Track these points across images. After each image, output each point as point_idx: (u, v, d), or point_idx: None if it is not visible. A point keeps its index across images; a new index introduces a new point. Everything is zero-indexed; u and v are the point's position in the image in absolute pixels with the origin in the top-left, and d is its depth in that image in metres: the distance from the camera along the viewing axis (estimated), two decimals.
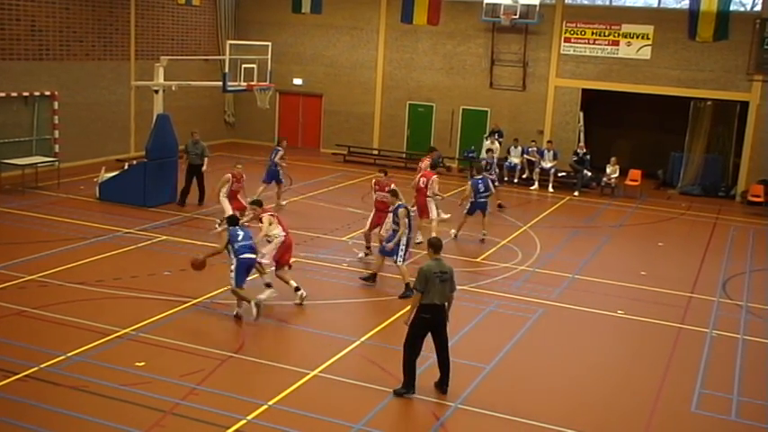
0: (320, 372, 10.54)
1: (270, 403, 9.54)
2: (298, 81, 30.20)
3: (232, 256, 12.13)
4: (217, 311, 12.58)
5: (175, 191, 19.86)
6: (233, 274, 12.09)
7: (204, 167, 19.63)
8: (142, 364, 10.42)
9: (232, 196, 17.28)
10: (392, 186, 14.85)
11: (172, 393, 9.63)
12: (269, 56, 20.93)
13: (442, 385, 10.13)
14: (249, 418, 9.16)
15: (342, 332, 12.10)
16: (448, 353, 10.12)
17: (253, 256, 12.26)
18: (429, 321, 9.86)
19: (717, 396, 10.72)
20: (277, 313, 12.73)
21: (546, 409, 9.94)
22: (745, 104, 25.27)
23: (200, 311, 12.58)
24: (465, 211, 18.14)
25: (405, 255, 13.92)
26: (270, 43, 21.53)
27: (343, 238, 17.45)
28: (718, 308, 14.44)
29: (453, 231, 18.00)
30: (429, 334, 10.00)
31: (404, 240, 13.81)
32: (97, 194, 19.71)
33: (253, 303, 12.03)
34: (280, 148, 20.09)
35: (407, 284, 13.45)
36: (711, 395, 10.74)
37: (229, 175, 17.30)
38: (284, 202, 20.15)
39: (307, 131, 30.66)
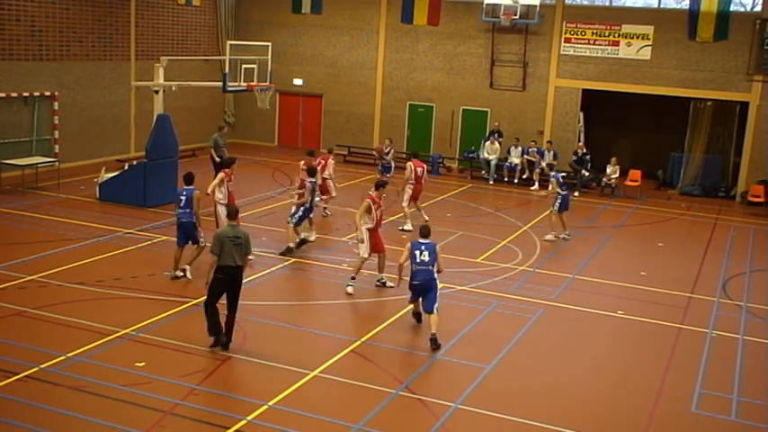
0: (320, 372, 10.54)
1: (270, 403, 9.55)
2: (298, 81, 30.21)
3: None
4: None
5: (176, 191, 19.82)
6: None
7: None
8: (142, 364, 10.42)
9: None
10: (310, 165, 16.61)
11: (172, 394, 9.63)
12: (269, 56, 20.94)
13: (224, 337, 11.01)
14: (249, 418, 9.16)
15: (342, 332, 12.11)
16: (235, 314, 11.05)
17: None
18: (223, 281, 10.86)
19: (717, 396, 10.72)
20: (277, 313, 12.73)
21: (546, 410, 9.94)
22: (745, 105, 25.27)
23: (201, 311, 12.54)
24: (556, 209, 18.25)
25: (298, 221, 15.85)
26: (270, 43, 21.55)
27: (343, 239, 17.44)
28: (718, 308, 14.45)
29: (553, 235, 18.31)
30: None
31: (302, 209, 15.81)
32: (97, 195, 19.72)
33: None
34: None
35: (288, 246, 15.72)
36: (711, 395, 10.74)
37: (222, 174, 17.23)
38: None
39: (307, 132, 30.67)
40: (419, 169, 18.72)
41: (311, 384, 10.22)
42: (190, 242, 14.14)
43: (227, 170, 15.73)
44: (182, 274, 14.01)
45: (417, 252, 11.73)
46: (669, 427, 9.82)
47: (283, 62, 29.08)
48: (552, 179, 18.60)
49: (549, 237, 18.22)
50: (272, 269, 14.98)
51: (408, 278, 11.99)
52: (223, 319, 11.12)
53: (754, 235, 20.72)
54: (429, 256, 11.71)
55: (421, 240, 11.92)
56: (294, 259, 15.61)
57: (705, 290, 15.45)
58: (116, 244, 15.94)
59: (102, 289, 13.25)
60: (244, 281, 11.41)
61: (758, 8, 25.00)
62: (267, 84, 20.84)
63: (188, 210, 13.97)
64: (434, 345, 11.46)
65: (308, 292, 14.16)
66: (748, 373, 11.59)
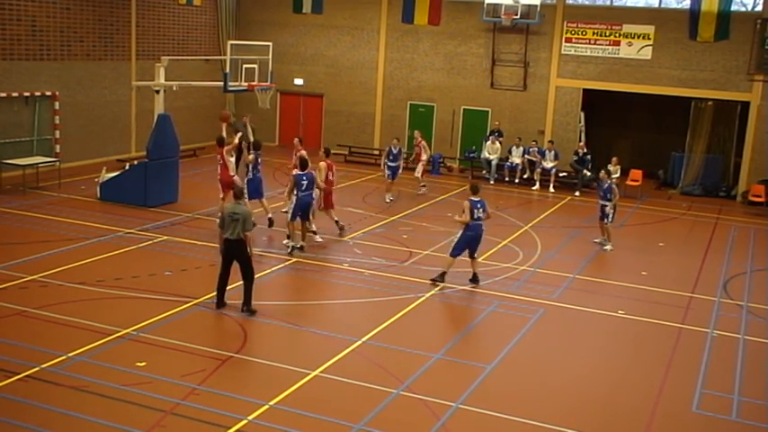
0: (321, 372, 10.54)
1: (271, 403, 9.55)
2: (299, 81, 30.21)
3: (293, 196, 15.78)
4: (218, 311, 12.58)
5: (177, 191, 19.88)
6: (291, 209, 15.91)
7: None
8: (143, 364, 10.42)
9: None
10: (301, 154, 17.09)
11: (172, 393, 9.64)
12: (270, 56, 20.93)
13: (243, 305, 12.39)
14: (250, 418, 9.16)
15: (343, 332, 12.10)
16: (249, 282, 12.36)
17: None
18: (226, 251, 12.29)
19: (718, 396, 10.71)
20: (278, 313, 12.73)
21: (547, 409, 9.94)
22: (745, 104, 25.27)
23: (202, 311, 12.58)
24: (611, 221, 18.04)
25: (292, 216, 16.11)
26: (271, 43, 21.53)
27: (345, 239, 17.44)
28: (718, 308, 14.44)
29: (600, 241, 18.27)
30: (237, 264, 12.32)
31: (294, 203, 16.06)
32: (98, 194, 19.72)
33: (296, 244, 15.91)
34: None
35: (293, 245, 16.08)
36: (712, 395, 10.74)
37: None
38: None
39: (307, 131, 30.66)
40: (330, 173, 17.68)
41: (312, 384, 10.22)
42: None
43: (328, 161, 17.33)
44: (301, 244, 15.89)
45: (476, 209, 14.22)
46: (670, 427, 9.81)
47: (284, 62, 29.08)
48: (615, 188, 18.01)
49: (608, 247, 17.92)
50: (273, 269, 14.98)
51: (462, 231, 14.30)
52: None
53: (755, 235, 20.71)
54: (483, 211, 14.36)
55: (474, 198, 14.35)
56: (295, 259, 15.61)
57: (706, 290, 15.44)
58: (117, 244, 15.95)
59: (102, 289, 13.26)
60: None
61: (759, 8, 24.98)
62: (268, 83, 20.83)
63: (310, 191, 15.94)
64: (476, 280, 14.55)
65: (308, 292, 14.15)
66: (749, 373, 11.59)
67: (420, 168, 23.17)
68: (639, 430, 9.64)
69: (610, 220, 17.96)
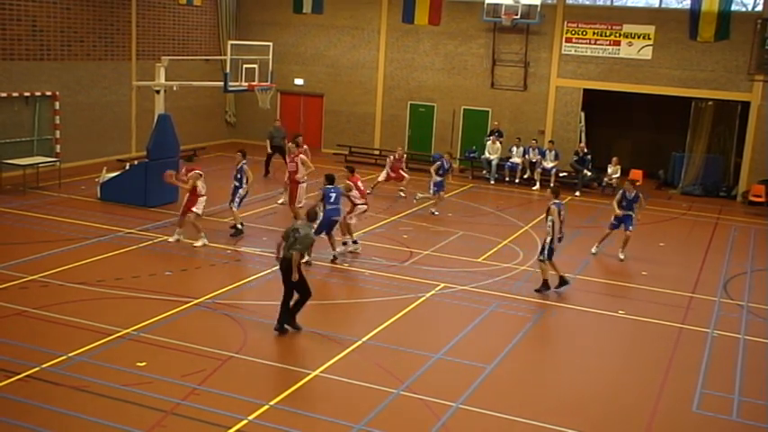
0: (321, 372, 10.54)
1: (271, 403, 9.55)
2: (299, 81, 30.21)
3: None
4: (218, 311, 12.59)
5: (176, 191, 19.85)
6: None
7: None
8: (143, 364, 10.43)
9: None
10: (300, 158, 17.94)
11: (173, 393, 9.64)
12: (270, 56, 20.94)
13: (292, 323, 11.93)
14: (250, 418, 9.16)
15: (343, 332, 12.11)
16: (298, 301, 11.86)
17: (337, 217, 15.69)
18: (280, 268, 11.90)
19: (718, 396, 10.71)
20: (272, 312, 12.71)
21: (547, 409, 9.94)
22: (746, 104, 25.26)
23: (202, 311, 12.59)
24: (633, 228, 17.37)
25: (238, 203, 16.82)
26: (271, 43, 21.54)
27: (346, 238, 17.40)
28: (719, 308, 14.44)
29: (595, 250, 17.55)
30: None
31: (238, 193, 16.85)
32: (98, 194, 19.72)
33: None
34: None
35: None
36: (713, 395, 10.74)
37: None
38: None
39: (308, 131, 30.60)
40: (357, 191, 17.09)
41: (312, 384, 10.22)
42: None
43: (354, 177, 16.65)
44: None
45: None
46: (670, 427, 9.81)
47: (284, 62, 29.08)
48: (642, 198, 17.29)
49: (622, 256, 17.23)
50: (274, 268, 14.95)
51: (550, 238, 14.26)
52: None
53: (755, 235, 20.70)
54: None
55: (557, 201, 14.45)
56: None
57: (706, 290, 15.44)
58: (117, 244, 15.95)
59: (103, 289, 13.26)
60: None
61: (759, 8, 24.98)
62: (268, 84, 20.84)
63: (337, 206, 15.54)
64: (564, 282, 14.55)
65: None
66: (749, 372, 11.59)
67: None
68: (640, 430, 9.64)
69: (633, 227, 17.11)
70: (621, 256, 17.21)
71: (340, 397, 9.99)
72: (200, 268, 14.77)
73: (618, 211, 17.17)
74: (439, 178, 20.66)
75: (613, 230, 17.38)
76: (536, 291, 14.50)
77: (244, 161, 17.34)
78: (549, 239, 14.46)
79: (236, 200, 17.17)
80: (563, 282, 14.63)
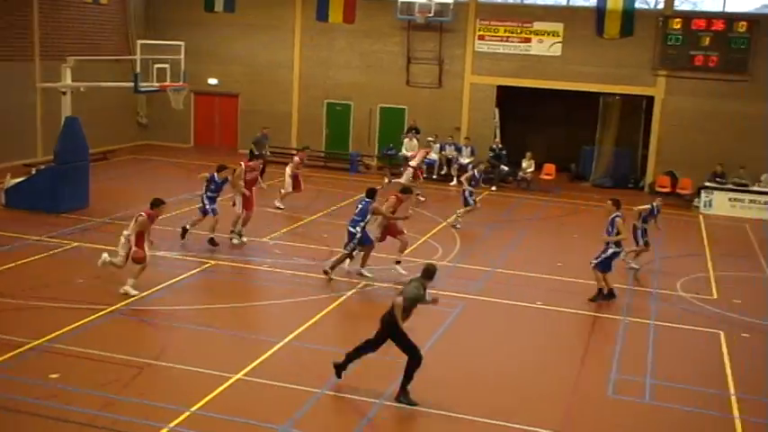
0: (244, 375, 10.41)
1: (192, 409, 9.38)
2: (213, 81, 29.74)
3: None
4: (135, 318, 12.28)
5: (88, 195, 19.28)
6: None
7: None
8: (56, 375, 10.07)
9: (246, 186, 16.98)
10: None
11: (89, 405, 9.35)
12: (182, 55, 20.54)
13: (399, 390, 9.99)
14: (171, 425, 8.97)
15: (265, 334, 12.00)
16: (408, 362, 9.96)
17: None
18: (381, 319, 10.12)
19: (631, 380, 11.07)
20: (197, 317, 12.52)
21: (469, 400, 10.08)
22: (651, 99, 26.18)
23: (117, 319, 12.26)
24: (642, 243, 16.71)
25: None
26: (183, 43, 21.12)
27: (264, 239, 17.26)
28: (630, 295, 14.91)
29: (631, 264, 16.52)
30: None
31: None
32: (3, 201, 18.96)
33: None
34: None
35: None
36: (626, 380, 11.09)
37: (242, 164, 17.41)
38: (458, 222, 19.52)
39: (224, 132, 30.27)
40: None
41: (235, 388, 10.09)
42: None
43: (401, 196, 15.82)
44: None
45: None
46: (587, 413, 10.09)
47: (197, 61, 28.45)
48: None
49: (633, 265, 16.53)
50: (192, 272, 14.71)
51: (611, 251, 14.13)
52: None
53: (663, 224, 21.41)
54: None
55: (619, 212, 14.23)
56: (214, 262, 15.37)
57: (618, 278, 15.90)
58: (25, 252, 15.35)
59: (11, 299, 12.74)
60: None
61: (661, 5, 25.91)
62: (181, 84, 20.45)
63: (358, 218, 14.72)
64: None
65: (228, 295, 13.94)
66: (660, 356, 12.02)
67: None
68: (558, 417, 9.87)
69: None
70: (636, 266, 16.51)
71: (263, 399, 9.89)
72: (115, 274, 14.37)
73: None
74: (473, 188, 19.74)
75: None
76: (591, 300, 14.28)
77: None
78: (610, 252, 14.20)
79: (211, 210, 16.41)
80: (610, 294, 14.28)
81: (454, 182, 25.36)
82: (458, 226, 19.16)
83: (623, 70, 26.09)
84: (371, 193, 15.16)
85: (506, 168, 25.68)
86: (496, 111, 27.46)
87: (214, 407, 9.51)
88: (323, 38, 28.58)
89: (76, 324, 11.83)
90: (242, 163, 17.55)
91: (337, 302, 13.49)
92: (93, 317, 12.19)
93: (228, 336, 11.90)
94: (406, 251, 15.73)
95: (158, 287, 13.77)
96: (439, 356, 11.55)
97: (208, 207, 16.38)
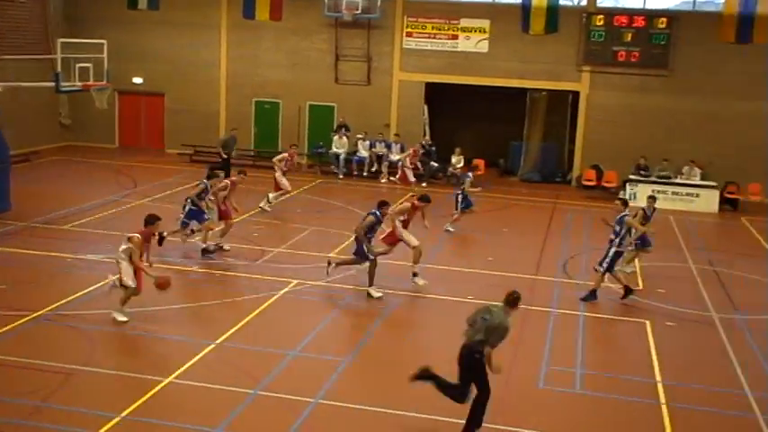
0: (175, 378, 10.24)
1: (122, 414, 9.17)
2: (137, 80, 29.12)
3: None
4: (61, 323, 11.94)
5: (9, 198, 18.64)
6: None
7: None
8: None
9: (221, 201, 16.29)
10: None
11: (13, 414, 9.06)
12: (105, 54, 20.07)
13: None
14: None
15: (195, 336, 11.82)
16: (477, 397, 9.25)
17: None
18: (459, 355, 9.35)
19: (562, 371, 11.29)
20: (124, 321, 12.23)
21: (403, 398, 10.11)
22: (576, 94, 26.74)
23: (43, 324, 11.89)
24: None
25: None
26: (105, 41, 20.63)
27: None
28: (559, 288, 15.21)
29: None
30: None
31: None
32: None
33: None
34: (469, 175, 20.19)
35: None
36: (557, 371, 11.31)
37: (227, 181, 16.76)
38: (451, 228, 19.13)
39: (150, 132, 29.67)
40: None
41: (166, 392, 9.91)
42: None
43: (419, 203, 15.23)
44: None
45: None
46: (519, 406, 10.24)
47: (121, 60, 27.78)
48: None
49: (628, 270, 15.84)
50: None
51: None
52: None
53: (590, 216, 21.96)
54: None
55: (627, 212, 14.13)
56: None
57: (547, 271, 16.23)
58: None
59: None
60: None
61: (584, 2, 26.48)
62: (104, 83, 19.99)
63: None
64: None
65: (157, 297, 13.65)
66: (589, 347, 12.30)
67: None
68: (490, 410, 9.97)
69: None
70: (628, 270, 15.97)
71: (196, 402, 9.75)
72: (39, 279, 13.96)
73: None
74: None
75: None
76: (623, 299, 14.17)
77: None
78: (613, 251, 14.07)
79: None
80: (592, 295, 14.27)
81: (384, 179, 25.44)
82: (450, 229, 18.99)
83: (549, 66, 26.58)
84: (382, 205, 14.30)
85: (436, 164, 25.89)
86: (425, 107, 27.64)
87: (145, 411, 9.33)
88: (250, 35, 28.28)
89: (0, 331, 11.46)
90: (227, 181, 16.96)
91: (268, 302, 13.37)
92: (17, 323, 11.80)
93: (159, 338, 11.68)
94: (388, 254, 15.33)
95: (86, 290, 13.42)
96: (373, 355, 11.58)
97: (197, 217, 15.71)
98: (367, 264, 13.94)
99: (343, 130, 26.50)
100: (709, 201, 23.83)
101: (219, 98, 28.84)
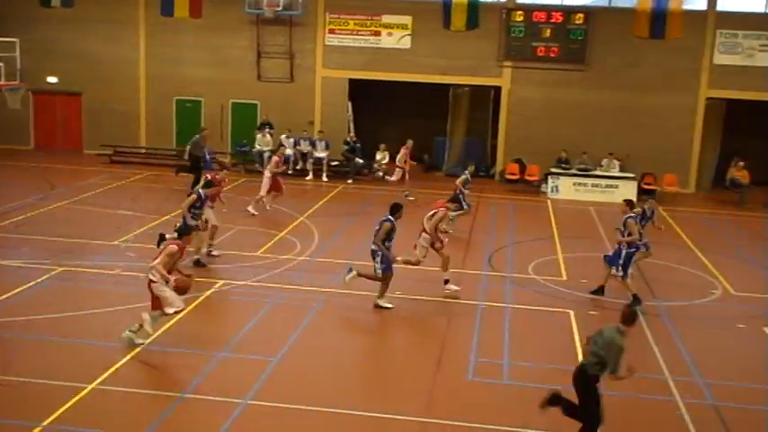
0: (98, 384, 9.97)
1: (44, 424, 8.89)
2: (52, 79, 28.23)
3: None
4: None
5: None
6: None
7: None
8: None
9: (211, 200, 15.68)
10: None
11: None
12: (17, 53, 19.44)
13: None
14: None
15: (118, 340, 11.51)
16: (584, 426, 8.81)
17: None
18: (573, 376, 8.96)
19: (490, 363, 11.44)
20: (46, 327, 11.85)
21: (334, 394, 10.10)
22: (498, 89, 27.14)
23: None
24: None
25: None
26: (17, 39, 20.00)
27: (115, 242, 16.59)
28: (486, 281, 15.42)
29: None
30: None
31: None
32: None
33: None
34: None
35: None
36: (485, 363, 11.45)
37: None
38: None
39: (66, 132, 28.82)
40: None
41: (90, 398, 9.64)
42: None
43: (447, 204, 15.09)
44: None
45: None
46: (448, 398, 10.33)
47: (34, 59, 26.93)
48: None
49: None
50: (38, 281, 13.91)
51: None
52: None
53: (514, 209, 22.34)
54: None
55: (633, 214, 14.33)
56: (62, 268, 14.62)
57: (474, 264, 16.43)
58: None
59: None
60: None
61: None
62: (17, 83, 19.35)
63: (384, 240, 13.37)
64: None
65: (79, 302, 13.29)
66: (515, 338, 12.50)
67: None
68: (421, 403, 10.06)
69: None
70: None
71: (121, 408, 9.52)
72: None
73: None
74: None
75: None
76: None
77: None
78: (624, 253, 14.09)
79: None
80: (600, 290, 14.47)
81: (310, 176, 25.33)
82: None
83: (471, 62, 26.89)
84: (395, 209, 13.72)
85: (361, 161, 25.92)
86: (349, 104, 27.64)
87: (69, 419, 9.06)
88: (169, 33, 27.76)
89: None
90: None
91: (195, 303, 13.15)
92: None
93: (82, 344, 11.35)
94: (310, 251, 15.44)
95: (1, 297, 12.96)
96: (302, 353, 11.52)
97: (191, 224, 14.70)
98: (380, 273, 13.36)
99: (267, 127, 26.27)
100: (627, 192, 24.51)
101: (139, 97, 28.23)
